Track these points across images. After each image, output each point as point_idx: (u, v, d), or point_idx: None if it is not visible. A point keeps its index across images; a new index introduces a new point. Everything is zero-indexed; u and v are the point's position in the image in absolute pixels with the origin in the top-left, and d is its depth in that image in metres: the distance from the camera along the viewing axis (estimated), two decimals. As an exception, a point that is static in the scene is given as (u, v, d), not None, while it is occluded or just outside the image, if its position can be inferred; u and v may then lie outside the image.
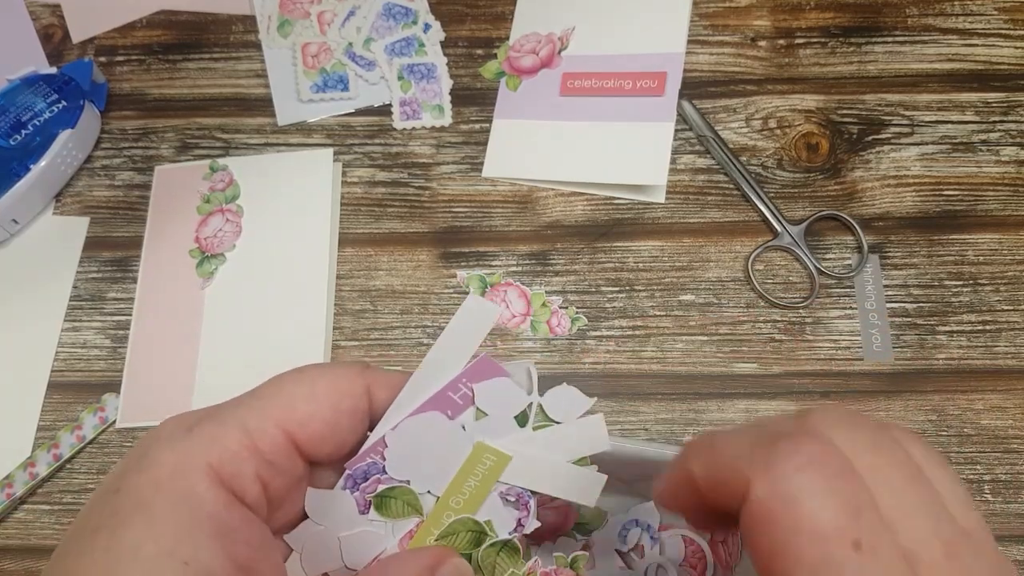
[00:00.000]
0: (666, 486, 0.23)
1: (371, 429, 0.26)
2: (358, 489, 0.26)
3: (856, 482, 0.18)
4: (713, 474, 0.20)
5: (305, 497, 0.26)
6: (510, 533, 0.26)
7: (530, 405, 0.27)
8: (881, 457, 0.18)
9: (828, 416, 0.19)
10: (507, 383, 0.27)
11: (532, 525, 0.27)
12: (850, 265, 0.44)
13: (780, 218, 0.44)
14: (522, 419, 0.27)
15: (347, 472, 0.26)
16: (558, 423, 0.27)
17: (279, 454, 0.24)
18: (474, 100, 0.49)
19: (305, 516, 0.26)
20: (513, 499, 0.26)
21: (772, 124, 0.47)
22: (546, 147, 0.47)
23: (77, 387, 0.43)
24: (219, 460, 0.23)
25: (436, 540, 0.26)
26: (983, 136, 0.46)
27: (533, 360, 0.42)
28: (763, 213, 0.45)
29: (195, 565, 0.21)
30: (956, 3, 0.49)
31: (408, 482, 0.26)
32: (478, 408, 0.27)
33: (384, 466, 0.26)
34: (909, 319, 0.43)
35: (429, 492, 0.26)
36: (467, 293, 0.44)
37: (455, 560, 0.25)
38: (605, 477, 0.27)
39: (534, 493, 0.26)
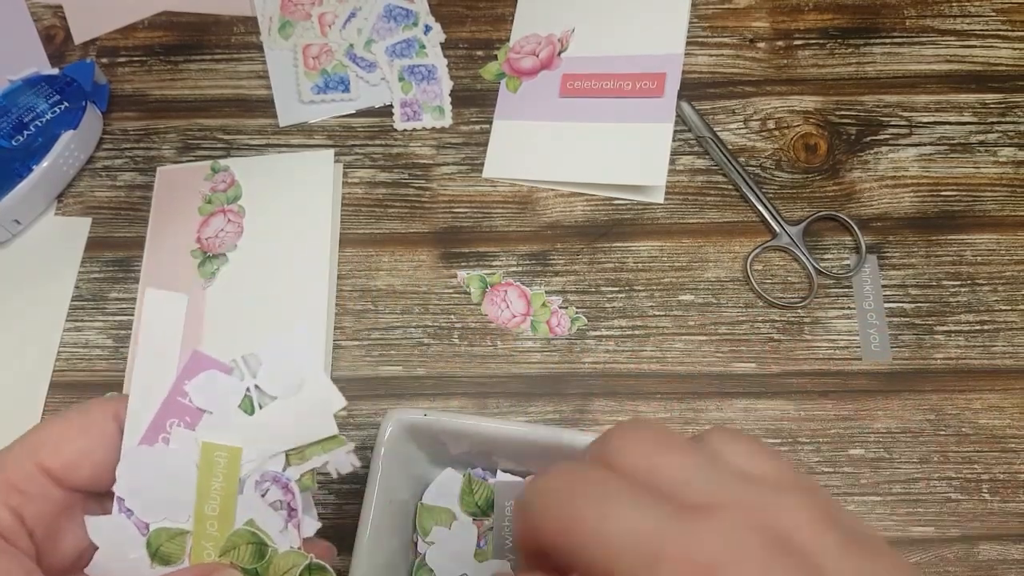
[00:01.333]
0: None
1: None
2: (133, 513, 0.26)
3: None
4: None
5: (87, 524, 0.26)
6: (287, 537, 0.26)
7: (250, 390, 0.26)
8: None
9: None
10: (216, 376, 0.26)
11: (311, 527, 0.26)
12: (848, 265, 0.44)
13: (779, 218, 0.44)
14: (247, 406, 0.26)
15: (116, 495, 0.26)
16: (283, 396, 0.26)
17: (30, 483, 0.25)
18: (474, 101, 0.49)
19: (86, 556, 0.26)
20: (268, 484, 0.26)
21: (771, 125, 0.47)
22: (546, 148, 0.47)
23: (79, 387, 0.43)
24: None
25: (220, 555, 0.26)
26: (981, 137, 0.46)
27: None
28: (762, 214, 0.45)
29: None
30: (954, 4, 0.50)
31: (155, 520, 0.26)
32: (198, 408, 0.26)
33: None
34: (907, 319, 0.43)
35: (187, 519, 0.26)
36: (468, 293, 0.44)
37: (225, 572, 0.26)
38: (341, 400, 0.26)
39: (289, 464, 0.26)
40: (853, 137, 0.47)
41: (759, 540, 0.18)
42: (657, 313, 0.43)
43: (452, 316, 0.44)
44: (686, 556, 0.17)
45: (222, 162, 0.48)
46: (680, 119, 0.47)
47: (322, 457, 0.26)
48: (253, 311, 0.44)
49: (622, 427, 0.21)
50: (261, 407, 0.26)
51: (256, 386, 0.26)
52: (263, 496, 0.26)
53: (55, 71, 0.48)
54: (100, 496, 0.27)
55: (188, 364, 0.26)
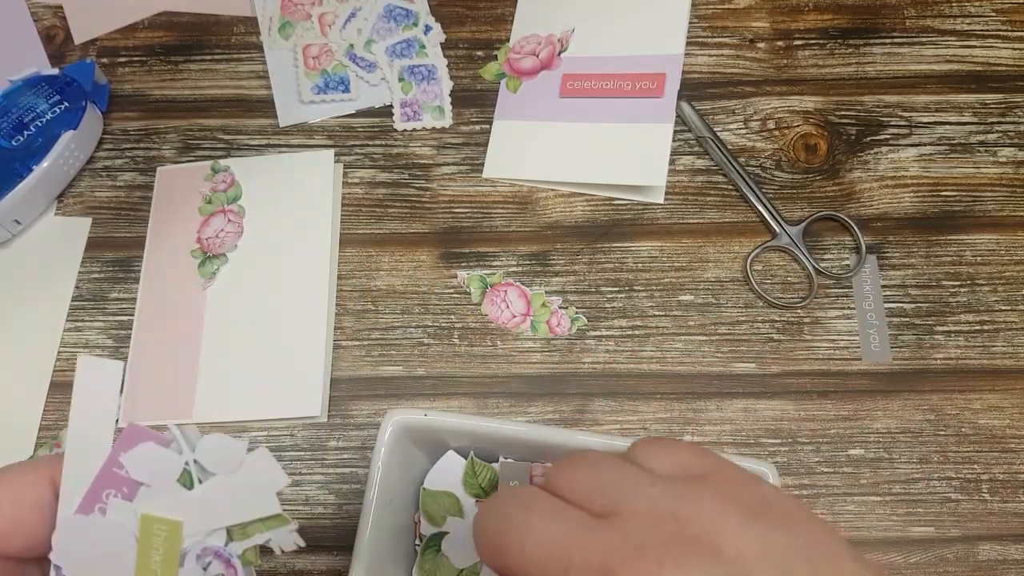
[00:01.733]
0: None
1: None
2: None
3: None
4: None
5: None
6: None
7: (188, 464, 0.26)
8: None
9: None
10: (152, 448, 0.25)
11: None
12: (848, 265, 0.44)
13: (779, 219, 0.44)
14: (186, 481, 0.26)
15: (53, 563, 0.25)
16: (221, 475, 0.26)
17: None
18: (474, 101, 0.49)
19: None
20: (210, 559, 0.25)
21: (771, 125, 0.47)
22: (546, 148, 0.47)
23: (79, 387, 0.43)
24: None
25: None
26: (981, 137, 0.46)
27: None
28: (762, 214, 0.45)
29: None
30: (954, 5, 0.50)
31: None
32: (136, 479, 0.25)
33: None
34: (907, 319, 0.43)
35: None
36: (468, 293, 0.44)
37: None
38: (285, 479, 0.26)
39: (231, 539, 0.26)
40: (853, 137, 0.47)
41: (658, 536, 0.19)
42: (657, 313, 0.43)
43: (452, 316, 0.44)
44: (589, 560, 0.19)
45: (222, 162, 0.48)
46: (680, 119, 0.47)
47: (265, 535, 0.26)
48: (253, 311, 0.44)
49: (569, 456, 0.23)
50: (200, 482, 0.26)
51: (195, 460, 0.26)
52: (204, 570, 0.25)
53: (55, 71, 0.48)
54: (38, 560, 0.26)
55: (124, 436, 0.25)
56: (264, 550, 0.26)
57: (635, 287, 0.44)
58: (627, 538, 0.19)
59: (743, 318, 0.43)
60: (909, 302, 0.43)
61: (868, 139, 0.47)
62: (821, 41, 0.49)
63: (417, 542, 0.36)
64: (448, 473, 0.36)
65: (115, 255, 0.46)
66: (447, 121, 0.48)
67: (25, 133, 0.46)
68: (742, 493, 0.21)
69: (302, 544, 0.26)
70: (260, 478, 0.26)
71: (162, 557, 0.25)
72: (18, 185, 0.45)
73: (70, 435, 0.25)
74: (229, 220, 0.46)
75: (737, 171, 0.46)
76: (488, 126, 0.48)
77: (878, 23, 0.49)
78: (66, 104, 0.47)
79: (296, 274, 0.45)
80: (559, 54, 0.49)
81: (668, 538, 0.19)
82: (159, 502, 0.25)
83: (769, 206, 0.45)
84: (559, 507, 0.21)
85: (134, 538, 0.25)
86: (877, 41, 0.49)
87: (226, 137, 0.49)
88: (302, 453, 0.41)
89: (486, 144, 0.48)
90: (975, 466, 0.40)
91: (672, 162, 0.46)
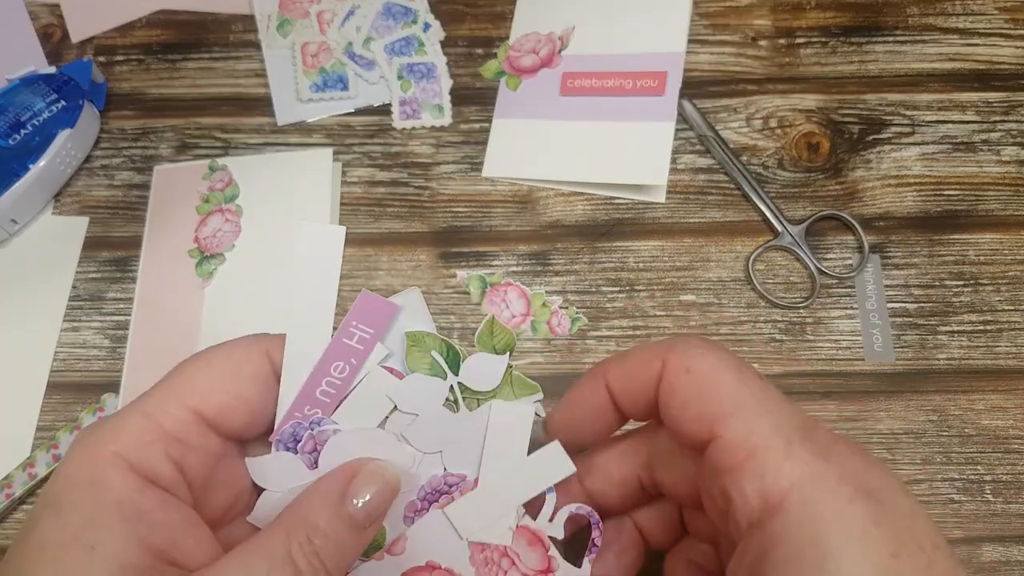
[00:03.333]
0: (570, 402, 0.27)
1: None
2: (297, 451, 0.25)
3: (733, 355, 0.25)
4: (628, 371, 0.26)
5: (247, 468, 0.25)
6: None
7: (452, 388, 0.26)
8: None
9: (692, 336, 0.26)
10: (419, 380, 0.26)
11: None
12: (851, 265, 0.44)
13: (781, 218, 0.44)
14: (452, 406, 0.26)
15: (275, 440, 0.25)
16: (484, 392, 0.27)
17: (187, 431, 0.24)
18: (474, 99, 0.49)
19: (243, 505, 0.26)
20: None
21: (773, 124, 0.47)
22: (546, 147, 0.47)
23: (76, 387, 0.43)
24: (125, 447, 0.23)
25: None
26: (984, 136, 0.46)
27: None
28: (764, 213, 0.44)
29: (102, 549, 0.21)
30: (957, 3, 0.49)
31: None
32: (366, 349, 0.26)
33: (316, 420, 0.25)
34: (910, 319, 0.43)
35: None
36: (468, 293, 0.44)
37: (371, 464, 0.25)
38: (571, 468, 0.27)
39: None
40: (855, 136, 0.46)
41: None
42: (658, 313, 0.43)
43: (452, 316, 0.43)
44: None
45: (220, 161, 0.47)
46: (681, 118, 0.47)
47: None
48: (251, 311, 0.44)
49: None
50: (467, 406, 0.27)
51: (460, 385, 0.26)
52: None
53: (52, 70, 0.48)
54: (261, 439, 0.26)
55: (359, 304, 0.26)
56: None
57: (636, 287, 0.44)
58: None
59: (745, 318, 0.43)
60: (912, 302, 0.43)
61: (871, 138, 0.46)
62: (823, 39, 0.49)
63: None
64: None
65: (112, 255, 0.46)
66: (446, 119, 0.48)
67: (22, 132, 0.46)
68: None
69: None
70: (546, 464, 0.27)
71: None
72: (15, 184, 0.45)
73: (293, 310, 0.25)
74: (227, 219, 0.46)
75: (739, 170, 0.45)
76: (488, 124, 0.48)
77: (881, 21, 0.49)
78: (63, 103, 0.46)
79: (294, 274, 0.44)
80: (559, 52, 0.49)
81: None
82: (428, 434, 0.26)
83: (771, 205, 0.44)
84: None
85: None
86: (880, 39, 0.49)
87: (224, 136, 0.48)
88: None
89: (486, 143, 0.47)
90: (978, 467, 0.40)
91: (673, 161, 0.46)
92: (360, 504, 0.24)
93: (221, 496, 0.26)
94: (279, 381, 0.26)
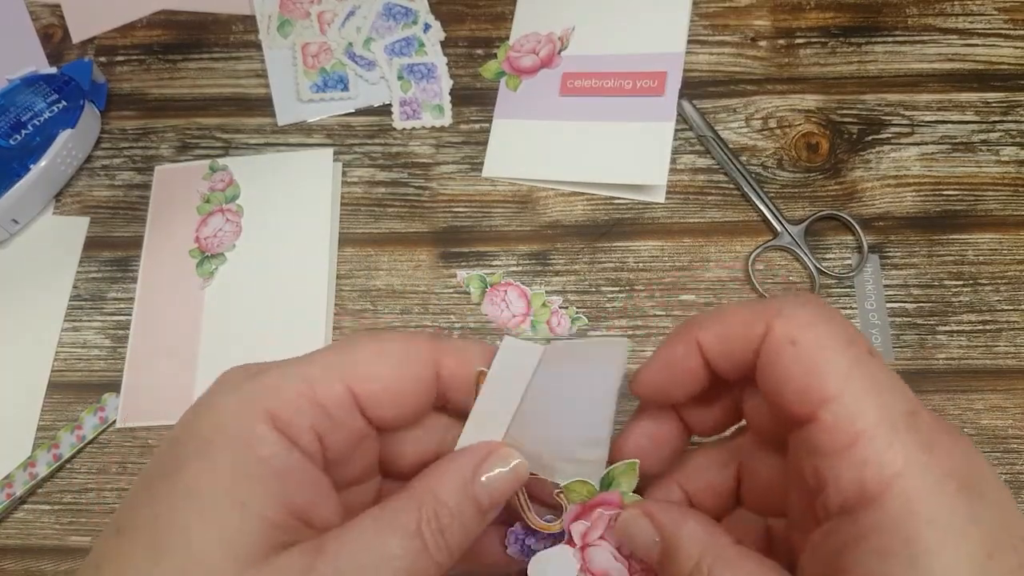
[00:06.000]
0: (659, 363, 0.27)
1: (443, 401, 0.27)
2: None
3: (848, 323, 0.24)
4: (726, 333, 0.25)
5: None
6: None
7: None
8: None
9: (799, 297, 0.25)
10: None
11: None
12: (850, 265, 0.44)
13: (780, 218, 0.44)
14: None
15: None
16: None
17: (339, 408, 0.24)
18: (474, 100, 0.49)
19: (367, 474, 0.27)
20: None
21: (772, 124, 0.47)
22: (546, 147, 0.47)
23: (77, 387, 0.43)
24: (277, 407, 0.23)
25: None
26: (983, 136, 0.46)
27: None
28: (763, 213, 0.44)
29: (251, 507, 0.21)
30: (956, 3, 0.49)
31: None
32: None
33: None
34: (909, 319, 0.43)
35: None
36: (468, 293, 0.44)
37: (503, 450, 0.25)
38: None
39: None
40: (855, 136, 0.47)
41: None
42: (658, 313, 0.43)
43: (452, 316, 0.43)
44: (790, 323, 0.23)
45: (220, 161, 0.47)
46: (681, 118, 0.47)
47: None
48: (252, 311, 0.44)
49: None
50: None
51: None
52: None
53: (53, 70, 0.48)
54: (399, 431, 0.26)
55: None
56: None
57: (636, 287, 0.44)
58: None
59: (744, 318, 0.43)
60: (911, 302, 0.43)
61: (870, 138, 0.46)
62: (823, 39, 0.49)
63: None
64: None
65: (113, 255, 0.46)
66: (447, 120, 0.48)
67: (23, 132, 0.46)
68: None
69: None
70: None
71: None
72: (16, 184, 0.45)
73: (477, 409, 0.26)
74: (227, 219, 0.46)
75: (738, 170, 0.45)
76: (488, 125, 0.48)
77: (880, 21, 0.49)
78: (64, 103, 0.46)
79: (295, 274, 0.44)
80: (559, 52, 0.49)
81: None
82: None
83: (771, 205, 0.44)
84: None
85: None
86: (879, 39, 0.49)
87: (224, 136, 0.48)
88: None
89: (486, 143, 0.47)
90: (978, 467, 0.40)
91: (673, 161, 0.46)
92: (487, 483, 0.24)
93: (347, 471, 0.26)
94: (436, 384, 0.26)
